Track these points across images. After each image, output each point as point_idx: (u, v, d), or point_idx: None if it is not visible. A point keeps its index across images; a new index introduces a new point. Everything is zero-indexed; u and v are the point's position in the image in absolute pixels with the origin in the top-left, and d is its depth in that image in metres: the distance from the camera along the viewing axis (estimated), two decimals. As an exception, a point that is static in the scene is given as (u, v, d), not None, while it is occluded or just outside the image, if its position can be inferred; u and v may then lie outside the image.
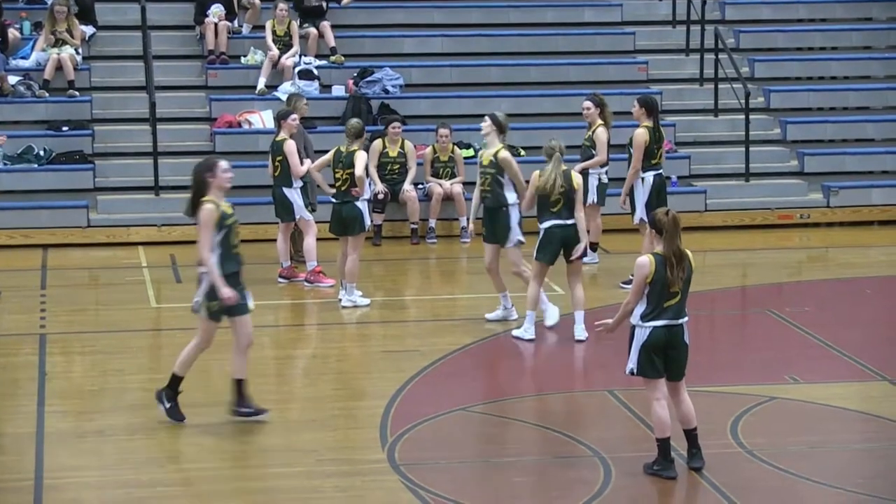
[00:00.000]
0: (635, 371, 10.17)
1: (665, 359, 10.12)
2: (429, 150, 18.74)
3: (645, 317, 10.07)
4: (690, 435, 10.28)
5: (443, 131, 18.54)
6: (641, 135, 15.50)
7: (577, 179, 13.64)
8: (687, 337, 10.15)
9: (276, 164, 15.79)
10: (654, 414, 10.20)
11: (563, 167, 13.61)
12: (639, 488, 10.10)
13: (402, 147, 18.52)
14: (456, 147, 18.84)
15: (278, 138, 15.82)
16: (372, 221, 15.50)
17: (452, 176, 18.66)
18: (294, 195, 15.78)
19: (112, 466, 10.55)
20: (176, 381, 11.37)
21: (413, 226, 18.41)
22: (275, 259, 16.20)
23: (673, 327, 10.07)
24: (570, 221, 13.61)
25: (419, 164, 18.63)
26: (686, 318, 10.13)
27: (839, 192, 19.66)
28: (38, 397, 12.09)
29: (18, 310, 15.08)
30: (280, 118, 15.94)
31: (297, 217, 15.84)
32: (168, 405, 11.35)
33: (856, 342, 13.65)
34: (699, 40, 21.05)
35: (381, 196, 18.09)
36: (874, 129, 20.86)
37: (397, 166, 18.47)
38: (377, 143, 18.43)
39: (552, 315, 14.06)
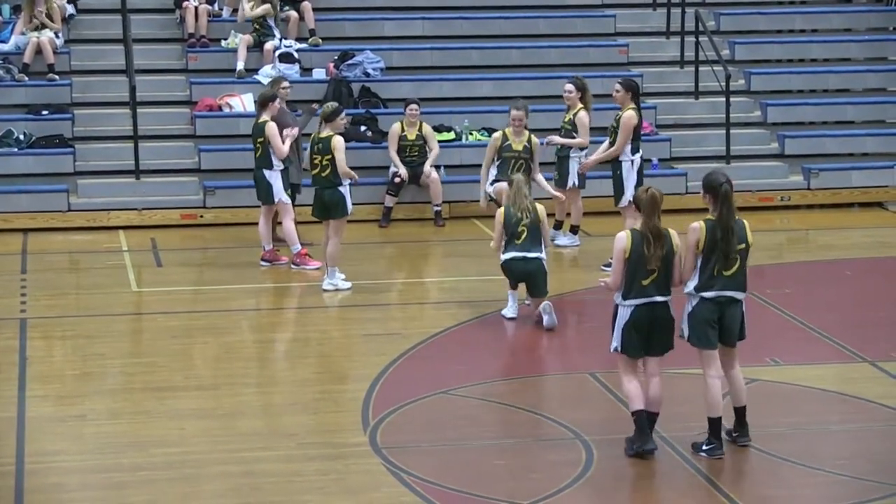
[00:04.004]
0: (619, 349, 10.19)
1: (649, 336, 10.13)
2: (396, 126, 18.34)
3: (625, 296, 10.09)
4: (651, 417, 10.25)
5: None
6: (631, 117, 15.34)
7: (541, 211, 13.44)
8: (673, 311, 10.14)
9: (258, 146, 15.78)
10: (624, 388, 10.23)
11: (528, 195, 13.37)
12: (620, 470, 10.12)
13: (421, 129, 18.41)
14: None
15: (260, 121, 15.81)
16: (350, 208, 15.15)
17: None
18: (274, 178, 15.75)
19: (93, 451, 10.53)
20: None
21: (436, 208, 18.30)
22: (256, 242, 16.17)
23: (655, 305, 10.09)
24: (532, 254, 13.33)
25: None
26: (669, 297, 10.13)
27: (819, 175, 19.70)
28: (19, 382, 12.07)
29: (-1, 294, 15.08)
30: (263, 101, 15.92)
31: (277, 200, 15.80)
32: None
33: (836, 324, 13.69)
34: (679, 23, 21.05)
35: (397, 180, 18.04)
36: (854, 111, 20.89)
37: (416, 149, 18.36)
38: (396, 126, 18.36)
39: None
